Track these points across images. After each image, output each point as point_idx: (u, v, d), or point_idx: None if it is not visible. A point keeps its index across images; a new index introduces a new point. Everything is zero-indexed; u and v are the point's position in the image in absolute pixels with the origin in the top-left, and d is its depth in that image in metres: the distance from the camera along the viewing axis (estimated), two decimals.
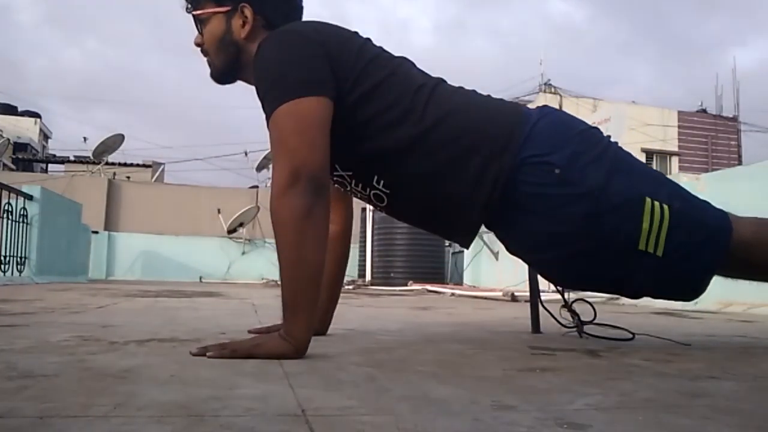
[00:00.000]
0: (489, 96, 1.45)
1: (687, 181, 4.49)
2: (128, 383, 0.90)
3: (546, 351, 1.41)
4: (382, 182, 1.37)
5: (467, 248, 1.39)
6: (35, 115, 31.40)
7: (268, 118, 1.26)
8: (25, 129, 29.12)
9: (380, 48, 1.40)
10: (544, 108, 1.45)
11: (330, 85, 1.27)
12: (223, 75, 1.46)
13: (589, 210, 1.26)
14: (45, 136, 32.14)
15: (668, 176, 1.52)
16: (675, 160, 20.06)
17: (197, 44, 1.45)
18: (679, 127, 20.26)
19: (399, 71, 1.37)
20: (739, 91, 21.24)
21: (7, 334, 1.52)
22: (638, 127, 17.53)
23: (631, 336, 1.59)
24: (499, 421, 0.71)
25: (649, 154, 19.66)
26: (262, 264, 11.86)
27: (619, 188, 1.28)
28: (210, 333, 1.64)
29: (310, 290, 1.19)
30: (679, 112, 20.49)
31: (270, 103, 1.25)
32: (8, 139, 19.29)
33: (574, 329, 1.72)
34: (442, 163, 1.32)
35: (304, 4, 1.48)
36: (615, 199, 1.27)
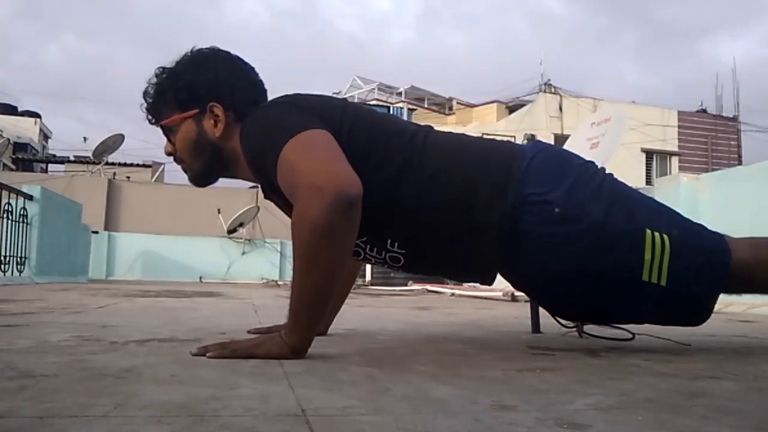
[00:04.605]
0: (481, 137, 1.44)
1: (687, 181, 4.48)
2: (128, 383, 0.90)
3: (546, 351, 1.41)
4: (396, 244, 1.35)
5: (490, 285, 1.38)
6: (35, 115, 31.41)
7: (274, 175, 1.19)
8: (25, 129, 29.14)
9: (360, 103, 1.37)
10: (538, 143, 1.44)
11: (328, 129, 1.21)
12: (204, 177, 1.41)
13: (591, 245, 1.26)
14: (45, 136, 32.15)
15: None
16: (675, 160, 20.08)
17: (168, 153, 1.39)
18: (679, 127, 20.28)
19: (388, 123, 1.35)
20: (738, 91, 21.28)
21: (7, 334, 1.52)
22: (638, 127, 17.54)
23: (631, 336, 1.59)
24: (499, 421, 0.71)
25: (649, 154, 19.68)
26: (262, 264, 11.87)
27: (619, 222, 1.28)
28: (210, 333, 1.64)
29: (317, 309, 1.17)
30: (679, 112, 20.51)
31: (271, 156, 1.18)
32: (8, 139, 19.30)
33: (574, 329, 1.72)
34: (449, 211, 1.29)
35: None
36: (616, 233, 1.26)
